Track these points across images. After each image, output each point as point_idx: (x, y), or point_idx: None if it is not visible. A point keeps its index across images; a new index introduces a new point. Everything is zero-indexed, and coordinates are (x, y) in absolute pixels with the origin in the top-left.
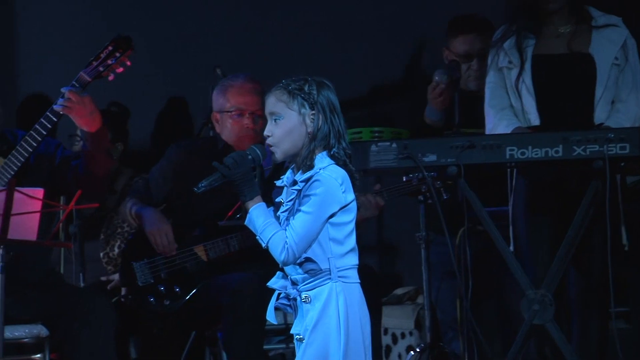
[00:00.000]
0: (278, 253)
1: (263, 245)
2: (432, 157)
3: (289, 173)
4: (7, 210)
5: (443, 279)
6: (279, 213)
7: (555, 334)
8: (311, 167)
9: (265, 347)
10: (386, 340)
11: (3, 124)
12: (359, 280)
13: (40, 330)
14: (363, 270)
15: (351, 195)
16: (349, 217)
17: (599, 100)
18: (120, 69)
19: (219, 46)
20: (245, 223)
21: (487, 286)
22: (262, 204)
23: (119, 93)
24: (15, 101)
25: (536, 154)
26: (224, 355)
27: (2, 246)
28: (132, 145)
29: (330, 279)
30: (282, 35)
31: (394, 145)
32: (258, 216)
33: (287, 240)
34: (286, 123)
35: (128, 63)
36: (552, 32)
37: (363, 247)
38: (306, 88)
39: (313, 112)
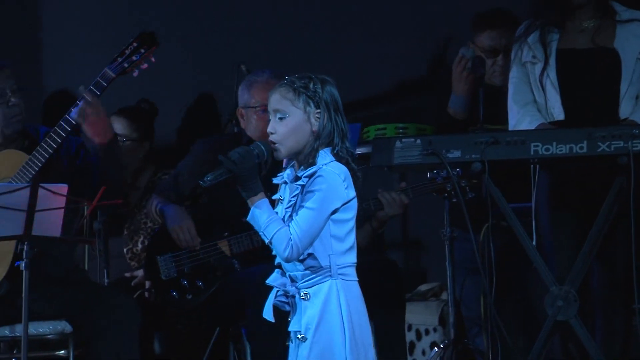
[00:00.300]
0: (282, 249)
1: (266, 241)
2: (456, 153)
3: (289, 170)
4: (31, 207)
5: (467, 276)
6: (279, 210)
7: (579, 330)
8: (313, 164)
9: (288, 342)
10: (410, 336)
11: (26, 119)
12: (357, 279)
13: (64, 326)
14: (387, 265)
15: (353, 192)
16: (350, 214)
17: (624, 95)
18: (145, 66)
19: (248, 42)
20: (248, 219)
21: (511, 282)
22: (266, 200)
23: (143, 90)
24: (40, 97)
25: (560, 150)
26: (248, 349)
27: (26, 242)
28: (156, 142)
29: (330, 276)
30: (308, 31)
31: (419, 141)
32: (262, 212)
33: (291, 236)
34: (291, 121)
35: (152, 59)
36: (576, 27)
37: (388, 243)
38: (311, 86)
39: (318, 110)
